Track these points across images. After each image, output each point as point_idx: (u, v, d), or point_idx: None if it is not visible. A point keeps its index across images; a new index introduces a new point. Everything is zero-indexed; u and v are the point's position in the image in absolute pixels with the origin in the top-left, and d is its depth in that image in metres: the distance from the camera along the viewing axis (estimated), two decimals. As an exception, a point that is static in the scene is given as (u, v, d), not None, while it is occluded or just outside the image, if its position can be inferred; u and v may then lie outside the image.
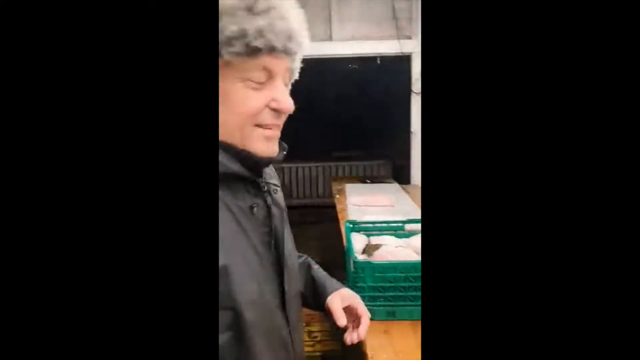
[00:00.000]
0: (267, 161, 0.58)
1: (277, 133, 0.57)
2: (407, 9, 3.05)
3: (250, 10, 0.50)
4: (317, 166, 5.41)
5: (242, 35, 0.49)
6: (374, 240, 1.38)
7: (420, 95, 3.04)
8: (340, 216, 2.15)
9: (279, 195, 0.64)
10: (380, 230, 1.48)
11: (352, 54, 3.17)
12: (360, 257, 1.22)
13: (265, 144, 0.56)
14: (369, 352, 0.93)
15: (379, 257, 1.21)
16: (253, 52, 0.50)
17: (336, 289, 0.78)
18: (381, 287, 1.08)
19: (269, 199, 0.60)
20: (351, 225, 1.48)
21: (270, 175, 0.64)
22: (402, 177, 3.70)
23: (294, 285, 0.65)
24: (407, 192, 2.70)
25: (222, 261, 0.52)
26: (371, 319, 0.93)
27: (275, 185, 0.64)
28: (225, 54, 0.50)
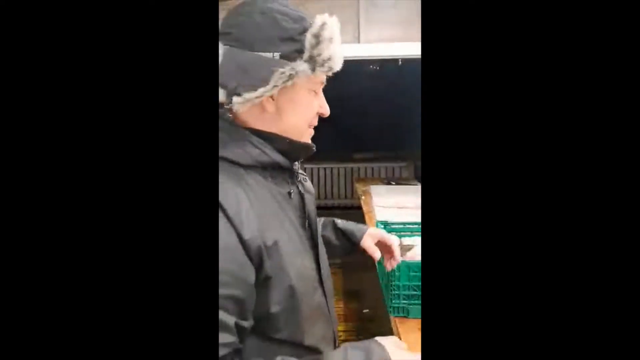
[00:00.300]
0: (308, 152, 0.71)
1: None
2: (435, 12, 3.07)
3: (317, 37, 0.61)
4: (338, 167, 5.45)
5: (315, 60, 0.62)
6: (406, 241, 1.41)
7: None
8: (366, 217, 2.18)
9: (309, 184, 0.77)
10: (411, 232, 1.51)
11: (379, 56, 3.20)
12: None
13: (309, 139, 0.71)
14: (407, 347, 0.96)
15: (412, 257, 1.24)
16: (320, 72, 0.64)
17: (364, 231, 0.93)
18: (416, 286, 1.11)
19: (301, 187, 0.72)
20: (382, 226, 1.50)
21: (299, 168, 0.75)
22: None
23: (325, 261, 0.76)
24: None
25: (273, 237, 0.61)
26: (406, 317, 0.97)
27: (304, 175, 0.76)
28: (307, 72, 0.62)
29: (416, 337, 1.01)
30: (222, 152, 0.61)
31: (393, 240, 0.96)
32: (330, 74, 0.66)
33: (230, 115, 0.63)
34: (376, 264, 1.53)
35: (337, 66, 0.64)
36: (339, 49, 0.63)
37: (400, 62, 3.35)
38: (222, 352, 0.55)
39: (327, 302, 0.73)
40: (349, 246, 0.93)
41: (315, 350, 0.68)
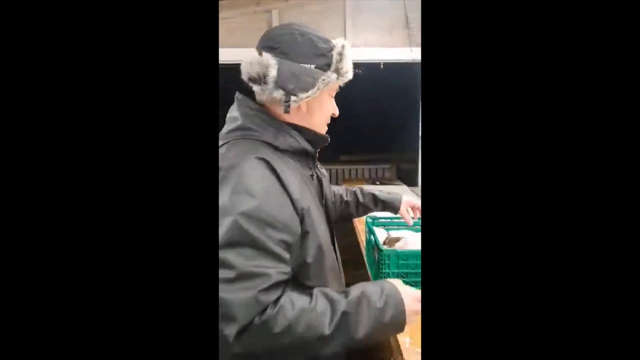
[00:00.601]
0: (325, 142, 0.91)
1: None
2: (419, 18, 3.18)
3: (340, 55, 0.82)
4: (326, 169, 5.53)
5: (339, 72, 0.83)
6: (394, 233, 1.50)
7: (429, 101, 3.15)
8: (355, 214, 2.26)
9: (324, 171, 1.00)
10: (397, 226, 1.61)
11: (365, 61, 3.30)
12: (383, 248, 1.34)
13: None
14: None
15: (401, 247, 1.33)
16: (341, 80, 0.85)
17: (401, 201, 1.28)
18: (404, 273, 1.20)
19: (319, 172, 0.94)
20: (371, 220, 1.60)
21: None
22: (406, 180, 3.83)
23: (334, 235, 0.96)
24: (416, 194, 2.82)
25: (307, 204, 0.79)
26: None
27: (320, 164, 0.97)
28: (334, 80, 0.83)
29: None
30: (265, 138, 0.80)
31: (417, 203, 1.32)
32: (345, 82, 0.86)
33: (289, 110, 0.80)
34: (365, 258, 1.62)
35: (351, 76, 0.86)
36: (351, 64, 0.85)
37: (381, 66, 3.44)
38: (280, 277, 0.70)
39: (338, 265, 0.93)
40: (388, 211, 1.29)
41: None
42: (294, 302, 0.70)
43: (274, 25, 3.03)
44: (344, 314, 0.72)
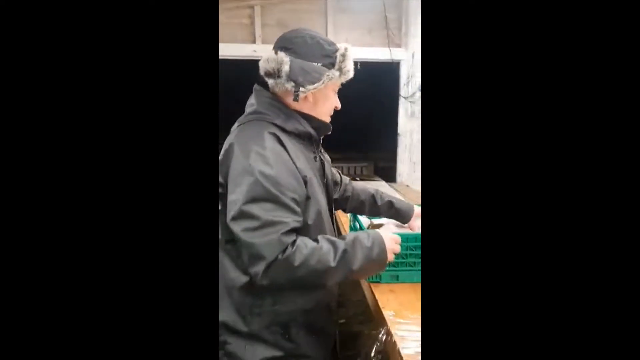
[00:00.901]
0: (328, 130, 1.09)
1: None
2: (397, 19, 3.29)
3: (343, 56, 0.98)
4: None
5: (342, 70, 0.99)
6: (376, 221, 1.59)
7: (407, 99, 3.26)
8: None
9: (327, 156, 1.16)
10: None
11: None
12: (367, 233, 1.43)
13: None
14: (381, 304, 1.12)
15: (383, 232, 1.41)
16: (343, 77, 1.01)
17: (413, 213, 1.39)
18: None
19: (322, 155, 1.10)
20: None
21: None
22: (384, 177, 3.94)
23: (333, 212, 1.13)
24: (395, 189, 2.93)
25: (308, 174, 0.96)
26: (379, 282, 1.14)
27: (323, 150, 1.13)
28: (337, 77, 0.99)
29: (387, 297, 1.18)
30: (276, 121, 0.97)
31: (419, 214, 1.42)
32: (347, 79, 1.03)
33: (297, 98, 0.96)
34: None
35: (352, 75, 1.02)
36: (352, 64, 1.02)
37: (358, 66, 3.53)
38: (295, 225, 0.87)
39: (335, 233, 1.10)
40: (399, 220, 1.41)
41: None
42: (306, 244, 0.88)
43: (255, 21, 3.07)
44: (344, 251, 0.90)
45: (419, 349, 0.87)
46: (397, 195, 1.51)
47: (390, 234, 1.03)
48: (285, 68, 0.94)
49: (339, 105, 1.08)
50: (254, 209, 0.85)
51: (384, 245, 0.97)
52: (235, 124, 1.02)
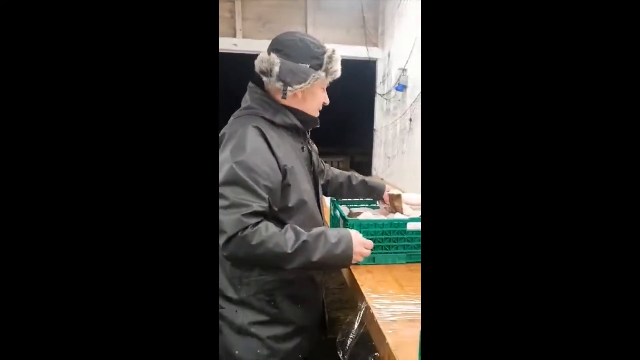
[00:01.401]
0: (315, 124, 1.22)
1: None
2: (374, 19, 3.41)
3: (330, 58, 1.11)
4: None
5: (328, 71, 1.12)
6: (354, 209, 1.71)
7: (383, 96, 3.39)
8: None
9: (315, 146, 1.29)
10: (357, 204, 1.81)
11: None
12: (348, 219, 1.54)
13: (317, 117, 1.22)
14: (359, 282, 1.24)
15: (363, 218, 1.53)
16: (329, 78, 1.14)
17: (384, 189, 1.58)
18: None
19: (309, 146, 1.24)
20: (335, 199, 1.79)
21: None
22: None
23: (320, 198, 1.26)
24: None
25: (292, 164, 1.08)
26: (357, 264, 1.26)
27: (311, 140, 1.26)
28: (323, 77, 1.12)
29: (365, 277, 1.30)
30: (265, 115, 1.10)
31: (388, 192, 1.60)
32: (334, 79, 1.14)
33: (285, 96, 1.09)
34: (331, 224, 1.81)
35: (338, 75, 1.14)
36: (340, 65, 1.13)
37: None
38: (258, 209, 0.98)
39: (323, 222, 1.22)
40: (373, 196, 1.61)
41: None
42: (268, 228, 1.00)
43: (236, 15, 3.12)
44: (304, 241, 1.01)
45: (393, 318, 1.00)
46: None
47: (362, 239, 1.13)
48: (276, 69, 1.06)
49: (327, 101, 1.20)
50: (226, 191, 0.98)
51: (352, 244, 1.07)
52: (231, 118, 1.15)
